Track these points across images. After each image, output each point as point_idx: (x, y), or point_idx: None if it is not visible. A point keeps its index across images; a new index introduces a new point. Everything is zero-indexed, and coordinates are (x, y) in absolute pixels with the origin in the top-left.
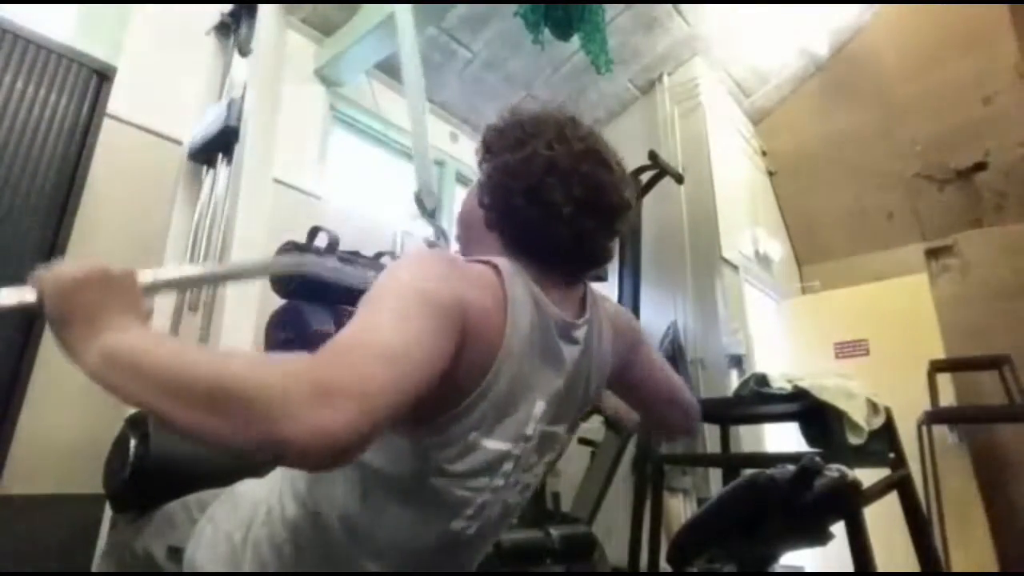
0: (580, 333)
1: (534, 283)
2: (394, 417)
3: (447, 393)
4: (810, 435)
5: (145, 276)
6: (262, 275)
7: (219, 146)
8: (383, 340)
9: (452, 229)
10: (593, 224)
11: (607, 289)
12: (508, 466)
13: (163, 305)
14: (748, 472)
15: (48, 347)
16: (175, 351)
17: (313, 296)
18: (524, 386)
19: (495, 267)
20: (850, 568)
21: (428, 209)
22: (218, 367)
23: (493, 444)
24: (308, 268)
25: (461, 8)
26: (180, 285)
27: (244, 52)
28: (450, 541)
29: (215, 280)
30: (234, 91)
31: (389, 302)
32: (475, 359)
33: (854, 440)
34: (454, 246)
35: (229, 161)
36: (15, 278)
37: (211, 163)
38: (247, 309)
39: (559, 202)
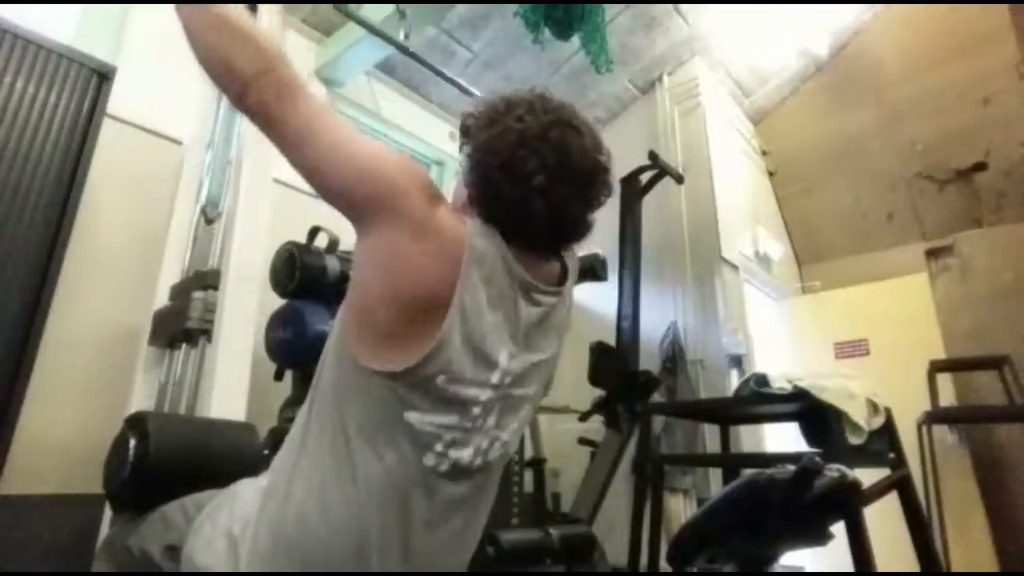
0: (545, 299)
1: (505, 246)
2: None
3: (413, 339)
4: (810, 435)
5: None
6: None
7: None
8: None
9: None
10: (567, 190)
11: (607, 289)
12: (476, 410)
13: (163, 302)
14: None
15: (48, 347)
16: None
17: (313, 296)
18: (485, 336)
19: (463, 221)
20: (850, 568)
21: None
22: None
23: (460, 388)
24: None
25: (461, 8)
26: None
27: None
28: (427, 481)
29: None
30: None
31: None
32: (430, 294)
33: (854, 440)
34: None
35: (229, 159)
36: (15, 278)
37: (211, 161)
38: (247, 309)
39: (532, 171)
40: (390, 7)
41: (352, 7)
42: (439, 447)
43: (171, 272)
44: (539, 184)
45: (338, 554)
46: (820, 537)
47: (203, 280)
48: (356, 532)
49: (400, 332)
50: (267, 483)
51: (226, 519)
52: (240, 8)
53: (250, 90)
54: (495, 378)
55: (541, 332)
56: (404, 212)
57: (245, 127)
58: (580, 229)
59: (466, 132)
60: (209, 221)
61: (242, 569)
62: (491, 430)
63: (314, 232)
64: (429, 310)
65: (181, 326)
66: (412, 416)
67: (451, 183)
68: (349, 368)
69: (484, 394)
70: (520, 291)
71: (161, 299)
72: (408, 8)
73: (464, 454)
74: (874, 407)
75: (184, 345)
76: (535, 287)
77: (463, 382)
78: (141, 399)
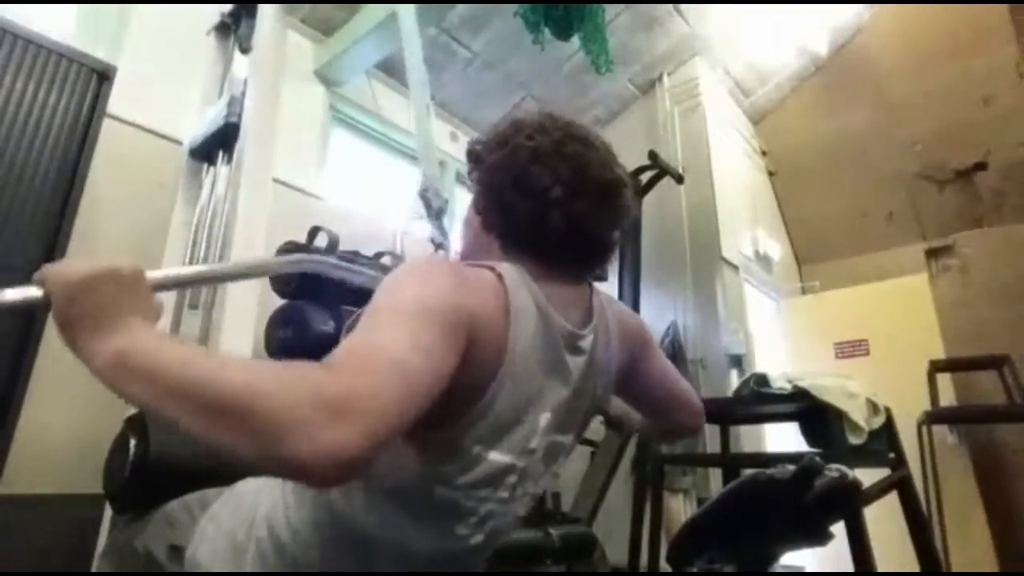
0: (586, 343)
1: (538, 288)
2: (403, 430)
3: (450, 405)
4: (810, 435)
5: (153, 274)
6: (268, 273)
7: (219, 143)
8: (391, 352)
9: (452, 229)
10: (585, 205)
11: (607, 289)
12: (512, 479)
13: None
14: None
15: (48, 347)
16: (189, 357)
17: (313, 296)
18: (528, 399)
19: (498, 274)
20: (850, 568)
21: (435, 208)
22: (233, 379)
23: (497, 457)
24: (313, 266)
25: (461, 8)
26: (188, 283)
27: (244, 49)
28: (454, 547)
29: (223, 278)
30: (235, 88)
31: (395, 313)
32: (478, 370)
33: (854, 440)
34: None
35: (229, 159)
36: (15, 278)
37: (211, 160)
38: (247, 309)
39: (547, 186)
40: (390, 7)
41: (350, 9)
42: (474, 520)
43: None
44: (556, 197)
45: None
46: (820, 537)
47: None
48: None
49: (439, 409)
50: (268, 486)
51: (230, 521)
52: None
53: (304, 451)
54: (534, 442)
55: (589, 377)
56: (474, 332)
57: (245, 127)
58: (603, 247)
59: (475, 159)
60: (209, 221)
61: (245, 571)
62: (528, 489)
63: (314, 232)
64: (475, 385)
65: None
66: (443, 492)
67: (451, 184)
68: None
69: (522, 461)
70: (563, 343)
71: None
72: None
73: (500, 523)
74: (874, 407)
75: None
76: (577, 335)
77: (501, 451)
78: None
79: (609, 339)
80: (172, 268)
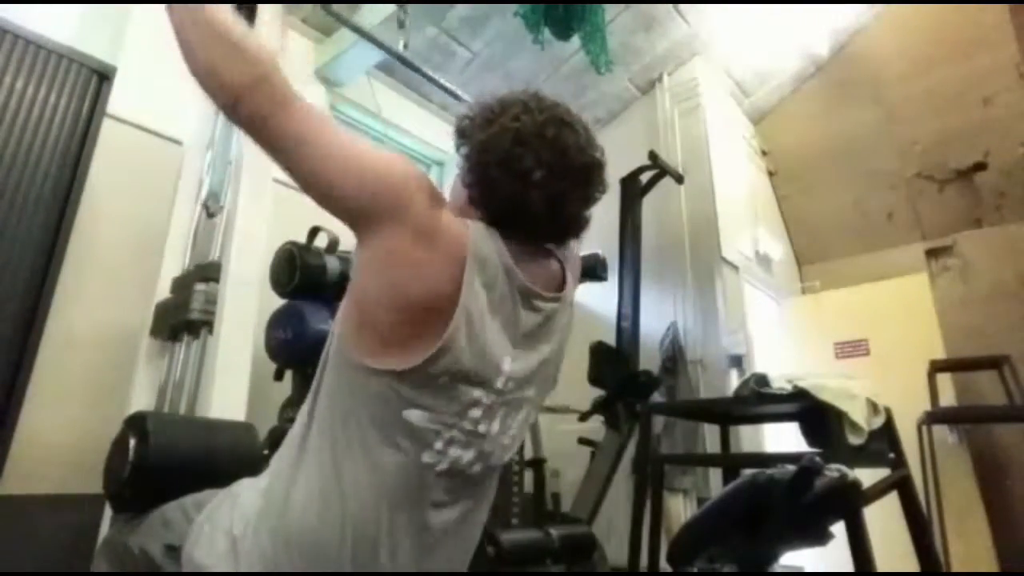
0: (546, 306)
1: (506, 249)
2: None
3: (418, 340)
4: (810, 435)
5: None
6: None
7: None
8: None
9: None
10: (565, 185)
11: (607, 289)
12: (477, 412)
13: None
14: (748, 472)
15: (48, 348)
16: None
17: (312, 295)
18: (487, 340)
19: (466, 224)
20: (850, 568)
21: None
22: (242, 29)
23: (463, 388)
24: None
25: (461, 8)
26: None
27: None
28: (425, 479)
29: None
30: None
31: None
32: (433, 296)
33: (854, 440)
34: None
35: (231, 148)
36: (15, 278)
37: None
38: (247, 309)
39: (530, 167)
40: (389, 8)
41: (350, 9)
42: (438, 444)
43: (171, 272)
44: (537, 180)
45: (337, 553)
46: (820, 537)
47: (204, 272)
48: (356, 532)
49: (402, 334)
50: (266, 484)
51: (226, 519)
52: (233, 13)
53: (242, 102)
54: (499, 383)
55: (542, 335)
56: (407, 216)
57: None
58: (578, 224)
59: (462, 133)
60: (211, 215)
61: (242, 569)
62: (494, 436)
63: (314, 232)
64: (432, 313)
65: (183, 317)
66: (412, 414)
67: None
68: (349, 368)
69: (487, 398)
70: (520, 297)
71: (161, 299)
72: (407, 17)
73: (464, 456)
74: (874, 407)
75: (186, 337)
76: (535, 293)
77: (467, 382)
78: (141, 399)
79: (567, 314)
80: None
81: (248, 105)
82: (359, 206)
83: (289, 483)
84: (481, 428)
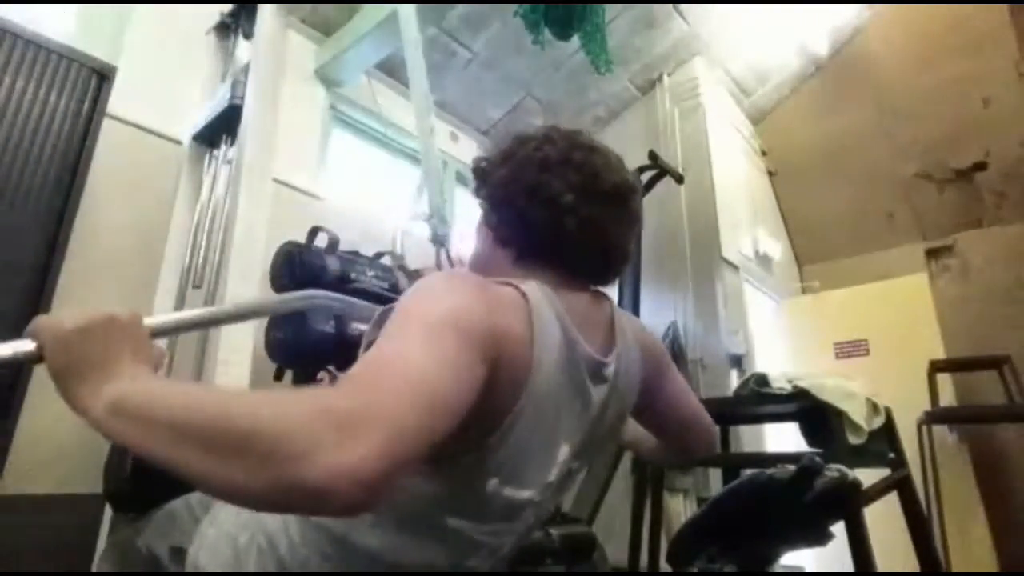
0: (610, 371)
1: (559, 301)
2: (425, 450)
3: (467, 432)
4: (810, 435)
5: (151, 321)
6: (269, 313)
7: (224, 127)
8: (413, 366)
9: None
10: (598, 209)
11: (607, 289)
12: (529, 513)
13: (163, 301)
14: (748, 472)
15: None
16: (186, 395)
17: None
18: (548, 430)
19: (522, 293)
20: (850, 568)
21: (440, 235)
22: (239, 410)
23: (514, 493)
24: (319, 302)
25: (461, 8)
26: (187, 327)
27: (247, 35)
28: (461, 571)
29: (224, 320)
30: (237, 74)
31: (417, 326)
32: (499, 395)
33: (854, 440)
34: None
35: (232, 142)
36: (15, 278)
37: (215, 144)
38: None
39: (560, 192)
40: (390, 7)
41: (351, 9)
42: (484, 552)
43: (171, 271)
44: (568, 203)
45: None
46: (820, 537)
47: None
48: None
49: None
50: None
51: (231, 524)
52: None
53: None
54: (552, 475)
55: (612, 405)
56: (500, 351)
57: (245, 126)
58: (618, 254)
59: (481, 174)
60: (209, 221)
61: None
62: (541, 516)
63: (314, 232)
64: (496, 411)
65: None
66: (455, 522)
67: (452, 184)
68: None
69: (539, 495)
70: (587, 371)
71: (161, 299)
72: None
73: (508, 552)
74: (874, 407)
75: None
76: (601, 363)
77: (517, 485)
78: None
79: (630, 365)
80: (170, 314)
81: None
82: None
83: (300, 532)
84: (532, 522)
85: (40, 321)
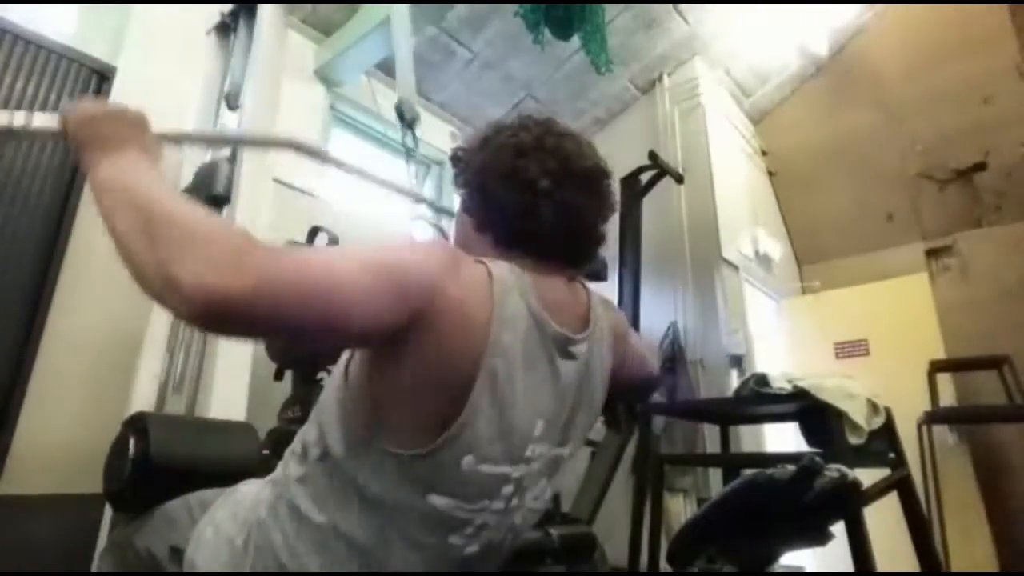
0: (581, 348)
1: (533, 285)
2: (296, 325)
3: (435, 417)
4: (810, 435)
5: (160, 129)
6: (262, 146)
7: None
8: (327, 263)
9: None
10: (573, 193)
11: (607, 289)
12: (508, 489)
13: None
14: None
15: (48, 347)
16: (157, 186)
17: None
18: (518, 406)
19: (488, 271)
20: (850, 568)
21: (408, 119)
22: (182, 209)
23: (490, 469)
24: (304, 149)
25: (461, 8)
26: (192, 140)
27: (248, 35)
28: (450, 556)
29: (227, 142)
30: (237, 75)
31: (359, 252)
32: (452, 364)
33: (854, 440)
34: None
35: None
36: (16, 278)
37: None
38: None
39: (535, 177)
40: (390, 7)
41: (350, 9)
42: (468, 530)
43: None
44: (544, 188)
45: None
46: (820, 537)
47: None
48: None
49: (417, 413)
50: (268, 500)
51: (229, 525)
52: (173, 198)
53: (244, 314)
54: (529, 451)
55: (582, 383)
56: (443, 318)
57: (245, 127)
58: (593, 238)
59: (459, 161)
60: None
61: None
62: (528, 503)
63: (314, 232)
64: (452, 386)
65: None
66: (437, 500)
67: (451, 184)
68: (362, 447)
69: (517, 471)
70: (555, 348)
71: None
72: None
73: (496, 535)
74: (874, 407)
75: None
76: (569, 339)
77: (494, 461)
78: (141, 399)
79: (603, 352)
80: (174, 128)
81: (243, 281)
82: (386, 325)
83: (295, 528)
84: (514, 503)
85: (66, 106)
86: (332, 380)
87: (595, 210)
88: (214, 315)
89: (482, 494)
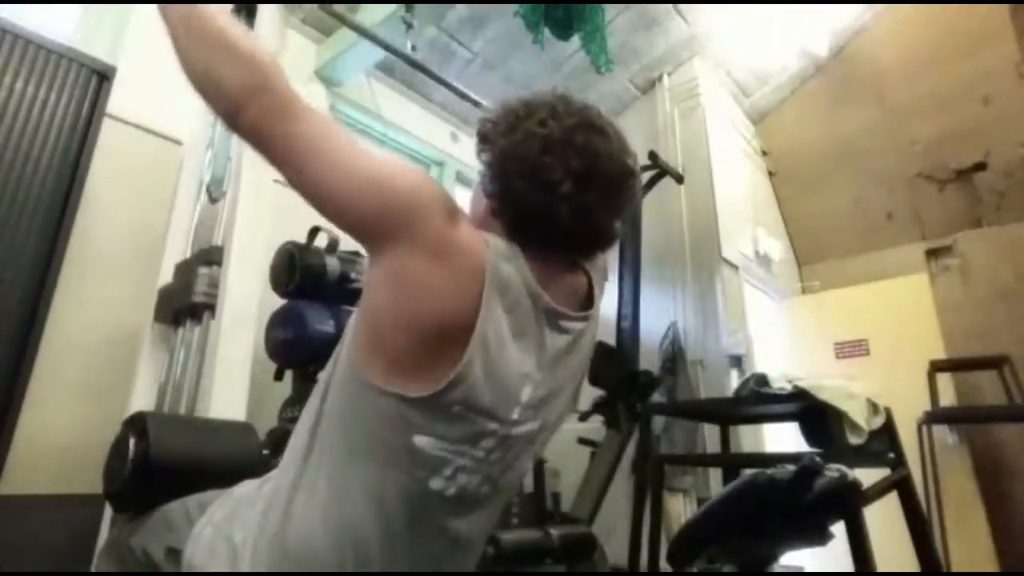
0: (572, 325)
1: (530, 267)
2: (270, 142)
3: (433, 368)
4: (810, 435)
5: None
6: None
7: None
8: (340, 134)
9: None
10: (594, 197)
11: (607, 289)
12: (490, 442)
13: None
14: (748, 472)
15: (48, 347)
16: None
17: (313, 295)
18: (507, 369)
19: (486, 241)
20: (850, 568)
21: None
22: (242, 36)
23: (476, 418)
24: None
25: (461, 8)
26: None
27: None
28: (432, 502)
29: None
30: None
31: (373, 154)
32: (448, 329)
33: (854, 440)
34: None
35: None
36: (15, 278)
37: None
38: (247, 309)
39: (558, 180)
40: (391, 7)
41: (350, 9)
42: (447, 471)
43: (171, 271)
44: (566, 192)
45: (339, 571)
46: (820, 537)
47: (208, 256)
48: (357, 552)
49: (415, 359)
50: (269, 491)
51: (227, 524)
52: (231, 15)
53: (243, 111)
54: (515, 414)
55: (570, 357)
56: (422, 232)
57: None
58: (607, 237)
59: (484, 138)
60: (214, 200)
61: None
62: (505, 463)
63: (314, 232)
64: (447, 338)
65: (186, 301)
66: (421, 440)
67: (451, 184)
68: (357, 387)
69: (502, 429)
70: (545, 320)
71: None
72: (415, 19)
73: (473, 480)
74: (874, 407)
75: (188, 323)
76: (562, 314)
77: (481, 413)
78: (141, 399)
79: (596, 328)
80: None
81: (249, 114)
82: (369, 221)
83: (290, 498)
84: (493, 457)
85: None
86: (339, 348)
87: (612, 211)
88: (237, 106)
89: (463, 439)
